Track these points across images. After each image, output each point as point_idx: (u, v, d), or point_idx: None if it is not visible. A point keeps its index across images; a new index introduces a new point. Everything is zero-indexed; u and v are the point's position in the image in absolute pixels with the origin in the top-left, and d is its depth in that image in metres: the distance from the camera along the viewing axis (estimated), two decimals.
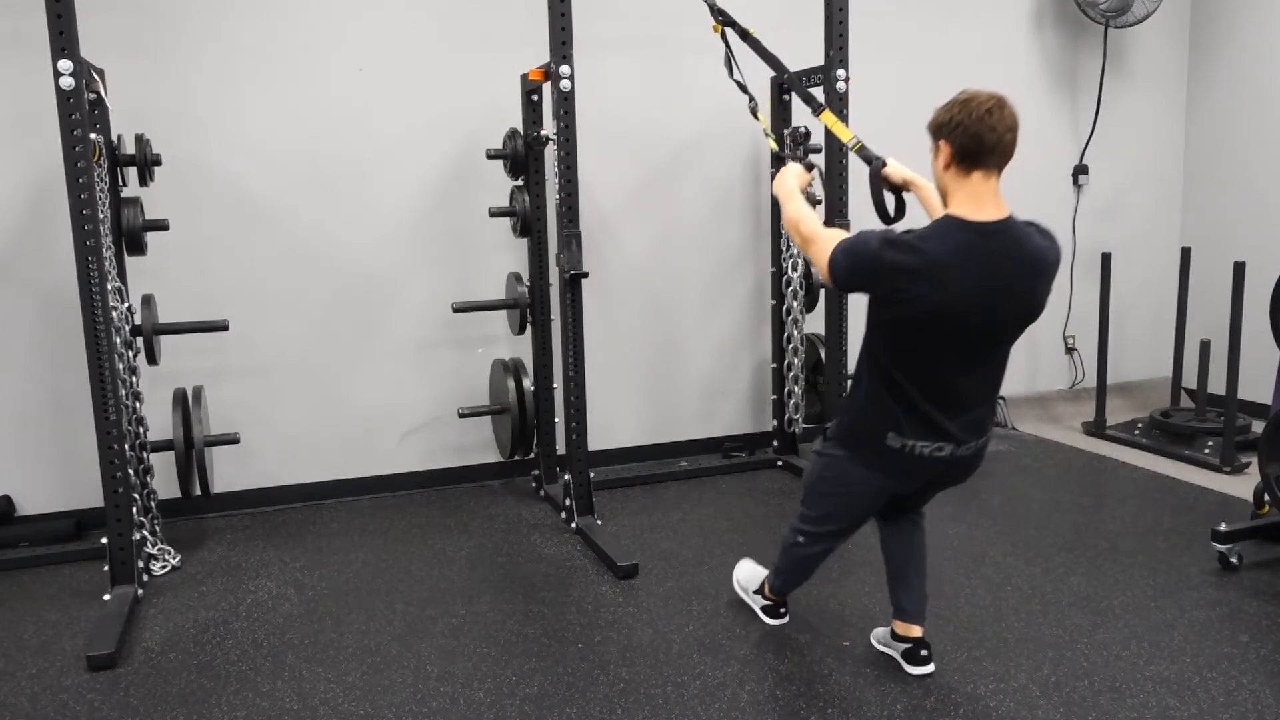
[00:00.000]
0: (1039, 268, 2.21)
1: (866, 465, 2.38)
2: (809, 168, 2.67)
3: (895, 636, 2.60)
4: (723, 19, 3.29)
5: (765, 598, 2.85)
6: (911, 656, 2.56)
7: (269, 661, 2.68)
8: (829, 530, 2.56)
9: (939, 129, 2.17)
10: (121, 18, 3.56)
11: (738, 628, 2.82)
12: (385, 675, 2.59)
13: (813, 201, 4.00)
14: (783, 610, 2.85)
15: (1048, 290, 2.26)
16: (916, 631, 2.57)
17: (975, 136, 2.11)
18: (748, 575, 2.99)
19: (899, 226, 2.33)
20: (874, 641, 2.71)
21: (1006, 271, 2.17)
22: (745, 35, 3.30)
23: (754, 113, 3.11)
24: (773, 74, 3.42)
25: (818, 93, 3.66)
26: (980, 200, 2.16)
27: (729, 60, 3.19)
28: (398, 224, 4.01)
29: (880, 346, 2.28)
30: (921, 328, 2.19)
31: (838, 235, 2.28)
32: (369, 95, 3.91)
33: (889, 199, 2.51)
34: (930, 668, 2.54)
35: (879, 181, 2.49)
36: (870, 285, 2.23)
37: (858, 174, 2.83)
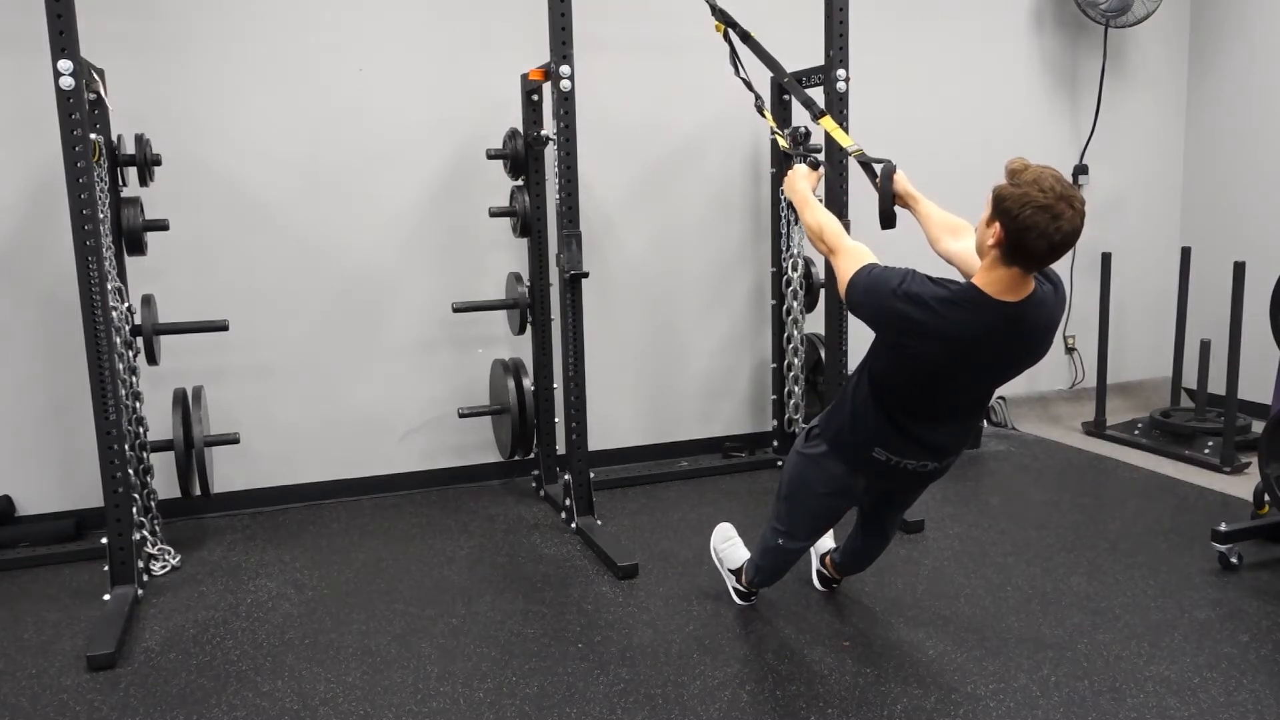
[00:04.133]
0: (1047, 337, 2.22)
1: (850, 467, 2.45)
2: (815, 166, 2.66)
3: (824, 565, 3.02)
4: (723, 20, 3.28)
5: (740, 583, 2.94)
6: (824, 582, 3.04)
7: (269, 661, 2.68)
8: (809, 529, 2.66)
9: (1001, 206, 2.01)
10: (121, 18, 3.56)
11: (738, 628, 2.82)
12: (385, 675, 2.59)
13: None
14: (753, 596, 2.96)
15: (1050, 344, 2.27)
16: (838, 576, 3.01)
17: (1028, 249, 2.00)
18: (727, 551, 3.04)
19: (902, 246, 2.31)
20: (811, 551, 3.04)
21: (1016, 346, 2.20)
22: (746, 37, 3.29)
23: (760, 111, 3.10)
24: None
25: (818, 93, 3.65)
26: (1010, 286, 2.09)
27: (734, 59, 3.18)
28: (398, 224, 4.01)
29: (878, 370, 2.30)
30: (919, 372, 2.22)
31: (862, 254, 2.27)
32: (369, 95, 3.90)
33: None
34: (831, 590, 3.03)
35: (891, 183, 2.48)
36: (876, 326, 2.23)
37: (858, 173, 2.83)
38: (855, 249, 2.31)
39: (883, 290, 2.16)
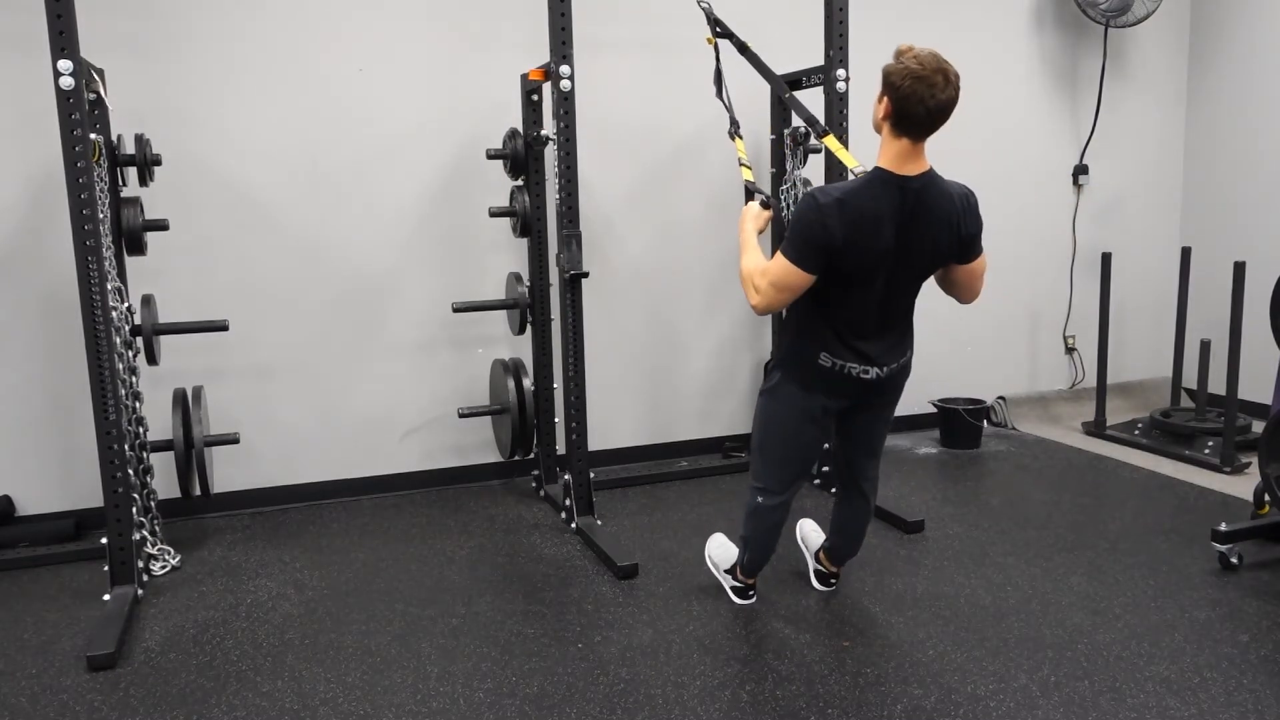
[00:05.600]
0: (951, 218, 2.42)
1: (804, 386, 2.59)
2: (766, 205, 2.71)
3: (819, 561, 3.04)
4: (720, 31, 3.26)
5: (736, 579, 2.96)
6: (821, 580, 3.05)
7: (269, 661, 2.68)
8: (783, 477, 2.71)
9: (887, 81, 2.30)
10: (121, 18, 3.56)
11: (738, 627, 2.82)
12: (385, 675, 2.59)
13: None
14: (751, 593, 2.97)
15: (966, 234, 2.46)
16: (835, 569, 3.02)
17: (910, 115, 2.28)
18: (720, 554, 3.08)
19: None
20: (801, 544, 3.14)
21: (923, 223, 2.40)
22: (744, 49, 3.27)
23: (732, 136, 3.09)
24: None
25: (818, 93, 3.66)
26: (905, 158, 2.36)
27: (718, 79, 3.16)
28: (398, 224, 4.01)
29: (814, 286, 2.46)
30: (846, 273, 2.41)
31: (774, 257, 2.45)
32: (369, 95, 3.91)
33: None
34: (830, 587, 3.03)
35: None
36: (818, 250, 2.37)
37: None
38: (771, 262, 2.47)
39: (807, 233, 2.36)
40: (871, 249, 2.37)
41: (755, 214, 2.68)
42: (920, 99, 2.25)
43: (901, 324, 2.59)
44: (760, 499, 2.74)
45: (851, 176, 2.75)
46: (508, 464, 4.20)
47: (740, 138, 3.10)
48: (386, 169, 3.96)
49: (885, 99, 2.31)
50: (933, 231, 2.42)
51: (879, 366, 2.54)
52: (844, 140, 3.48)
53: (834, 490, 2.97)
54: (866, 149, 2.91)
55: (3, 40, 3.43)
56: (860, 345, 2.51)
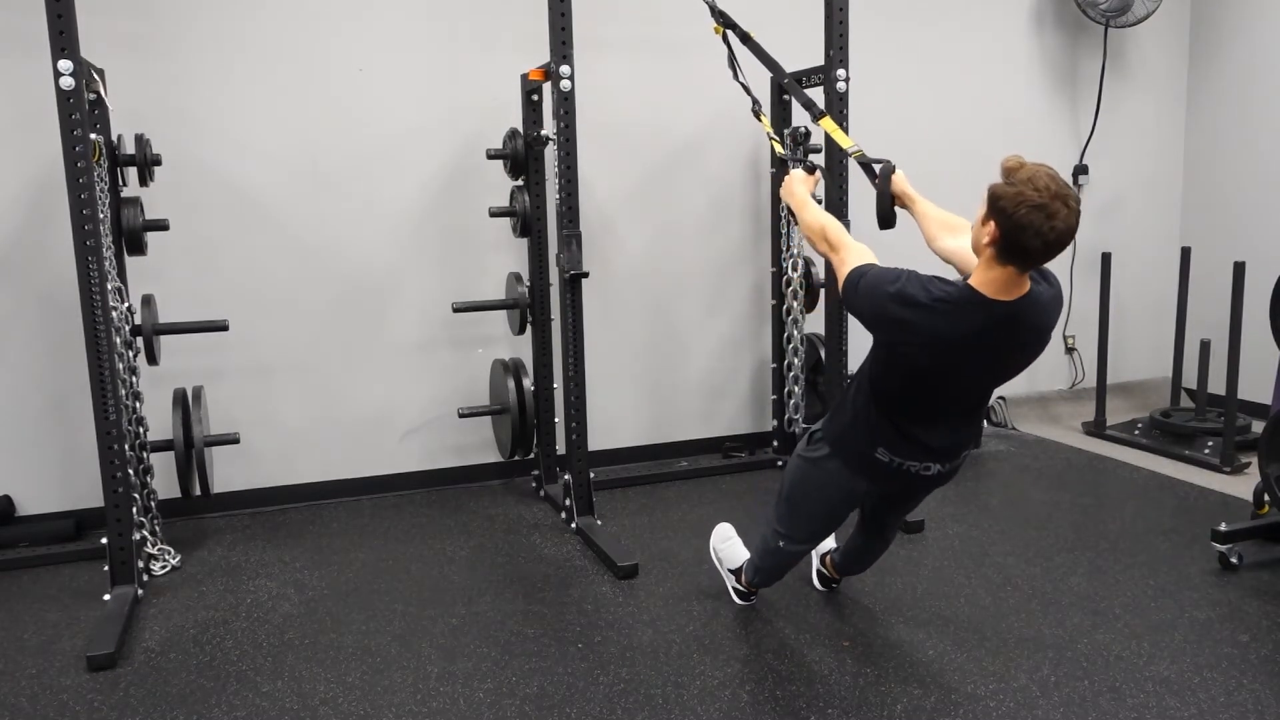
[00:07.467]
0: (1042, 338, 2.23)
1: (853, 470, 2.43)
2: (811, 170, 2.67)
3: (824, 564, 3.02)
4: (723, 21, 3.28)
5: (739, 583, 2.94)
6: (823, 581, 3.04)
7: (269, 661, 2.68)
8: (809, 532, 2.64)
9: (996, 205, 2.00)
10: (121, 18, 3.56)
11: (738, 628, 2.82)
12: (385, 675, 2.59)
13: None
14: (752, 596, 2.96)
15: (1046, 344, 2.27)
16: (838, 577, 3.01)
17: (1024, 247, 1.99)
18: (726, 550, 3.04)
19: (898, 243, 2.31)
20: (812, 551, 3.01)
21: (1010, 347, 2.20)
22: (746, 38, 3.29)
23: (757, 115, 3.10)
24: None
25: (818, 93, 3.66)
26: (1006, 286, 2.09)
27: (732, 62, 3.18)
28: (398, 224, 4.01)
29: (876, 372, 2.31)
30: (916, 373, 2.23)
31: (863, 253, 2.28)
32: (369, 95, 3.90)
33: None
34: (831, 589, 3.03)
35: (889, 183, 2.48)
36: (872, 326, 2.23)
37: (858, 175, 2.83)
38: (856, 248, 2.32)
39: (878, 292, 2.16)
40: (943, 364, 2.18)
41: (802, 178, 2.60)
42: (1038, 231, 1.95)
43: (977, 414, 2.40)
44: (782, 544, 2.65)
45: (850, 156, 2.74)
46: (508, 464, 4.19)
47: (764, 115, 3.11)
48: (386, 169, 3.96)
49: (993, 224, 2.00)
50: (1022, 349, 2.23)
51: (942, 462, 2.35)
52: None
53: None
54: (864, 149, 2.91)
55: (3, 40, 3.43)
56: (925, 438, 2.30)
